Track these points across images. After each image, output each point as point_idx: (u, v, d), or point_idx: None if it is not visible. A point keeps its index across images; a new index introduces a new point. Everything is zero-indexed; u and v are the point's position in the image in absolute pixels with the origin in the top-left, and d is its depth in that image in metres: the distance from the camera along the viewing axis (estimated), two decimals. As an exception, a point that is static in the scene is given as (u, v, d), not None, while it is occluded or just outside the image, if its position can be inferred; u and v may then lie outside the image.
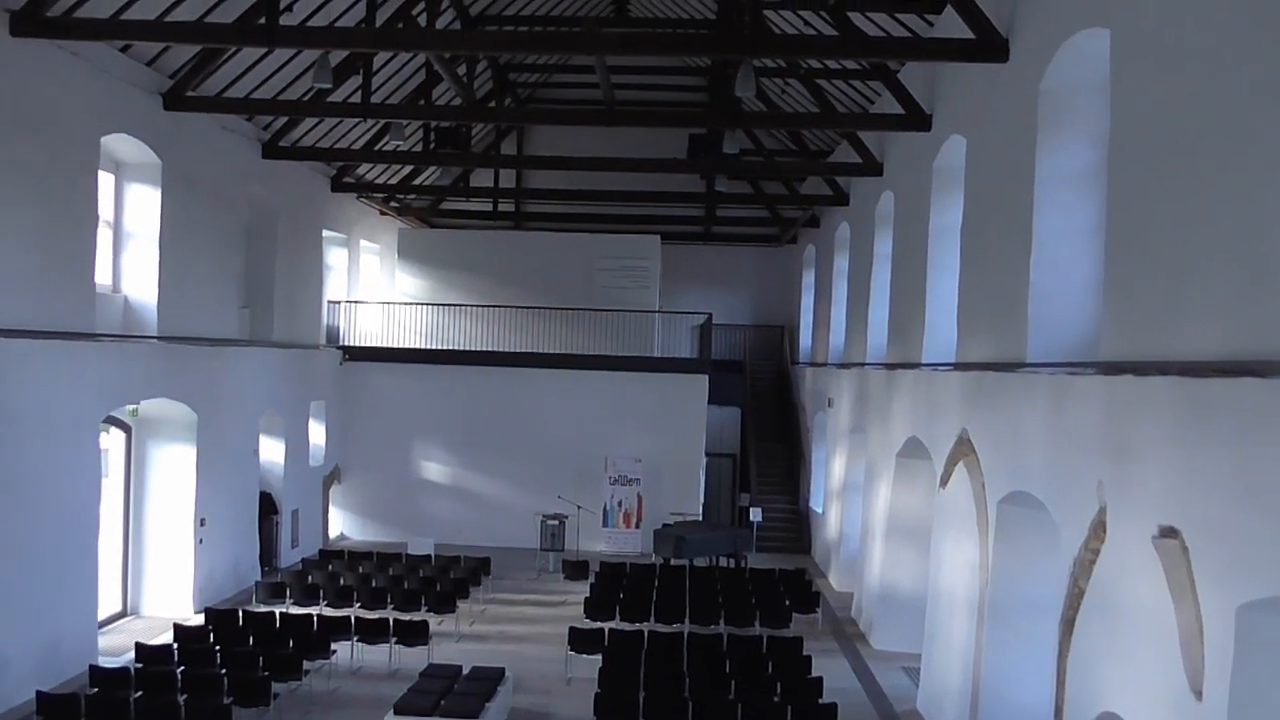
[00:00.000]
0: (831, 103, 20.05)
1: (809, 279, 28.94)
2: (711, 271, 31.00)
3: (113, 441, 17.23)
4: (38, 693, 11.94)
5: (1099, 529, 8.94)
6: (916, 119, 16.17)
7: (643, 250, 28.14)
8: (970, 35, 12.74)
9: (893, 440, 17.37)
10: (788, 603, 17.67)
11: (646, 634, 15.25)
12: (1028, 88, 11.52)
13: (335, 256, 26.38)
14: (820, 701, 12.70)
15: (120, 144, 16.16)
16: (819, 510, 25.17)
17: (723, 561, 21.67)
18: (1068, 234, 10.96)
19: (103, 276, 16.06)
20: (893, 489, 17.46)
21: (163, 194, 16.95)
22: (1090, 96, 10.65)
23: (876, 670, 16.24)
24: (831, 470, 23.48)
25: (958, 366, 13.81)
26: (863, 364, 20.23)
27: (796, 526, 26.50)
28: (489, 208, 29.69)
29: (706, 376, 25.41)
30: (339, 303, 26.16)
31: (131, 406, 16.87)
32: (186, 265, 17.64)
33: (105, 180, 16.12)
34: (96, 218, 15.31)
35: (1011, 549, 11.85)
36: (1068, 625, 9.56)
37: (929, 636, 14.48)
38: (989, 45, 12.54)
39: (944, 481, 14.15)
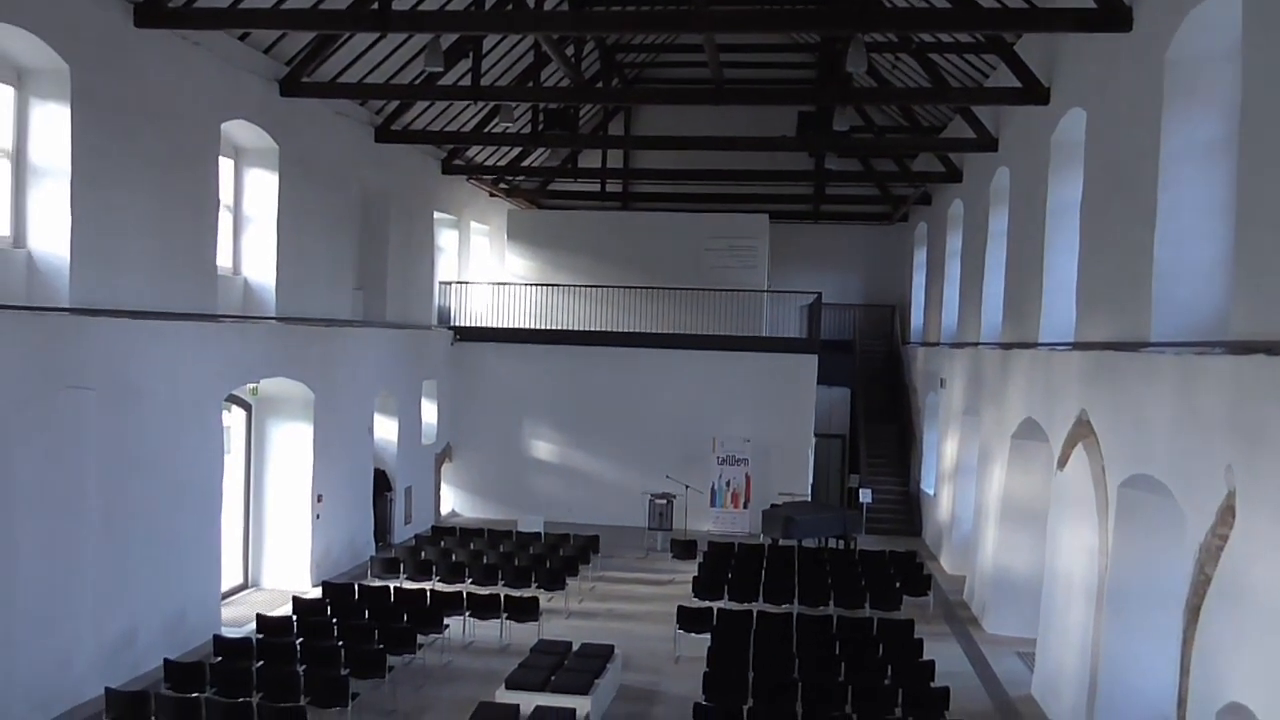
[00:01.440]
0: (945, 77, 19.63)
1: (920, 257, 28.46)
2: (820, 250, 30.66)
3: (234, 419, 17.75)
4: (165, 660, 12.38)
5: (1227, 514, 8.62)
6: (1034, 92, 15.72)
7: (751, 229, 27.95)
8: (1091, 4, 12.33)
9: (1008, 421, 17.00)
10: (898, 585, 17.45)
11: (755, 614, 15.21)
12: (1153, 57, 11.11)
13: (446, 238, 26.76)
14: (932, 685, 12.52)
15: (239, 130, 16.58)
16: (930, 492, 24.79)
17: (831, 543, 21.49)
18: (1194, 209, 10.56)
19: (224, 259, 16.51)
20: (1007, 471, 17.09)
21: (280, 178, 17.36)
22: (1219, 66, 10.23)
23: (990, 655, 15.95)
24: (943, 452, 23.09)
25: (1077, 346, 13.43)
26: (976, 344, 19.82)
27: (907, 508, 26.16)
28: (597, 188, 29.81)
29: (816, 356, 25.16)
30: (450, 284, 26.55)
31: (252, 385, 17.37)
32: (303, 248, 18.06)
33: (225, 166, 16.56)
34: (217, 202, 15.75)
35: (1132, 533, 11.51)
36: (1192, 613, 9.25)
37: (1045, 621, 14.16)
38: (1111, 14, 12.11)
39: (1061, 464, 13.80)
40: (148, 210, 13.84)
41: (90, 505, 12.58)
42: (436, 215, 25.01)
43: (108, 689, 11.32)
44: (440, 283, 25.95)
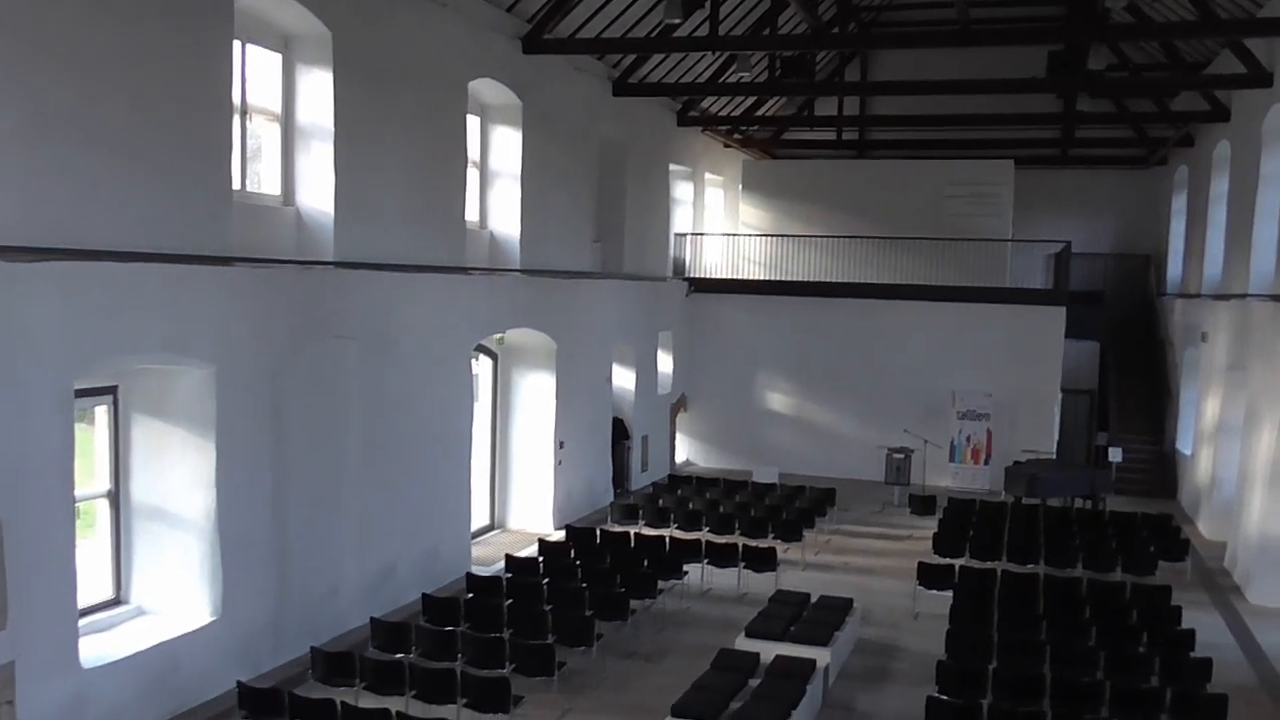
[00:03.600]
0: (1212, 7, 18.25)
1: (1179, 203, 26.68)
2: (1069, 197, 29.16)
3: (482, 368, 18.46)
4: (423, 595, 13.09)
5: None
6: (1318, 20, 14.43)
7: (994, 176, 26.88)
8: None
9: (1280, 378, 15.83)
10: (1152, 549, 16.60)
11: (999, 573, 14.79)
12: None
13: (681, 190, 26.90)
14: (1192, 655, 11.87)
15: (485, 88, 17.09)
16: (1187, 452, 23.39)
17: (1078, 503, 20.62)
18: None
19: (471, 214, 17.12)
20: (1279, 433, 15.93)
21: (523, 134, 17.84)
22: None
23: (1255, 627, 14.97)
24: (1204, 410, 21.69)
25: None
26: (1244, 295, 18.48)
27: (1160, 469, 24.77)
28: (832, 136, 29.23)
29: (1063, 308, 24.02)
30: (685, 235, 26.71)
31: (498, 335, 18.01)
32: (544, 201, 18.53)
33: (472, 123, 17.12)
34: (466, 159, 16.33)
35: None
36: None
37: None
38: None
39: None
40: (402, 167, 14.49)
41: (352, 448, 13.35)
42: (672, 167, 25.16)
43: (373, 619, 12.06)
44: (675, 234, 26.14)
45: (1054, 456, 23.36)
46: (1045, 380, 23.98)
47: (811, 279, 25.92)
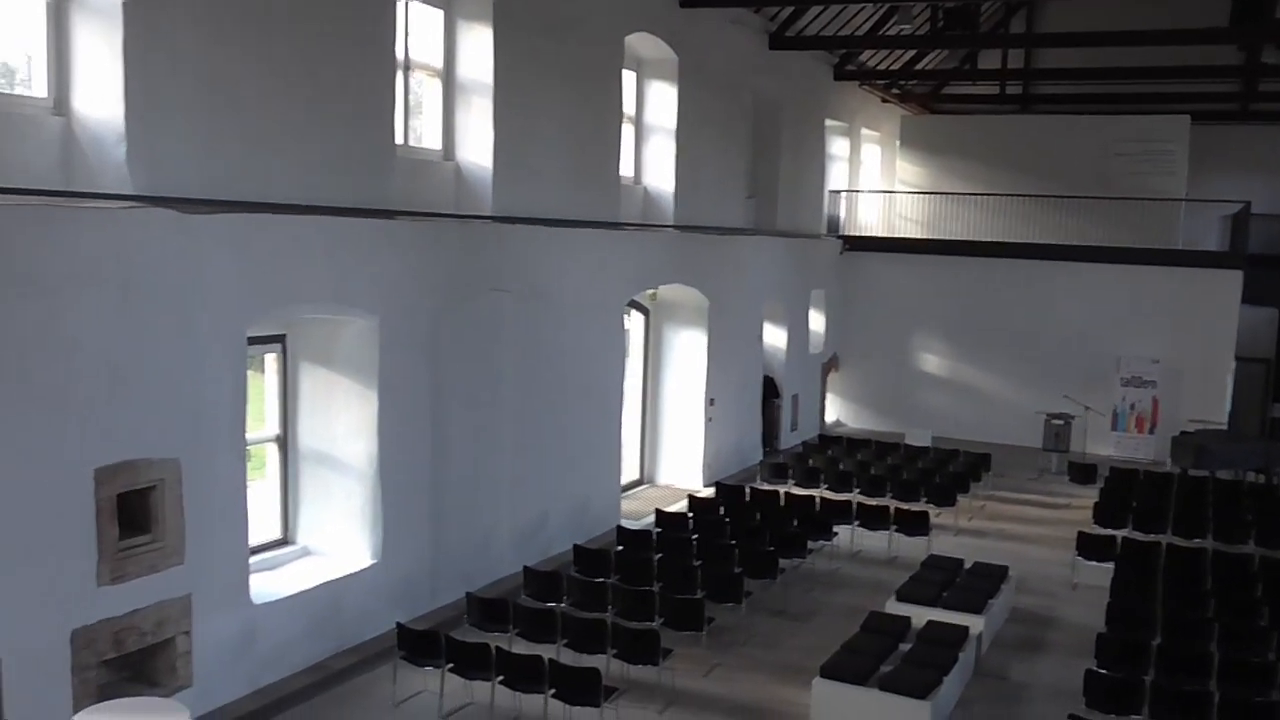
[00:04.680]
0: None
1: (1375, 159, 25.03)
2: (1250, 154, 27.50)
3: (634, 323, 18.54)
4: (575, 546, 13.28)
5: None
6: None
7: (1167, 131, 25.59)
8: None
9: None
10: (1334, 528, 15.77)
11: (1164, 546, 14.23)
12: None
13: (837, 146, 26.42)
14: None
15: (641, 42, 17.03)
16: (1372, 425, 22.11)
17: (1249, 476, 19.68)
18: None
19: (626, 169, 17.13)
20: None
21: (679, 89, 17.74)
22: None
23: None
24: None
25: None
26: None
27: (1344, 443, 23.45)
28: (995, 91, 28.26)
29: (1240, 272, 22.82)
30: (840, 192, 26.25)
31: (651, 291, 18.05)
32: (698, 157, 18.42)
33: (628, 78, 17.09)
34: (621, 114, 16.32)
35: None
36: None
37: None
38: None
39: None
40: (559, 123, 14.56)
41: (507, 400, 13.56)
42: (828, 122, 24.72)
43: (526, 567, 12.29)
44: (830, 191, 25.72)
45: (1225, 427, 22.30)
46: (1218, 347, 22.85)
47: (970, 238, 25.17)
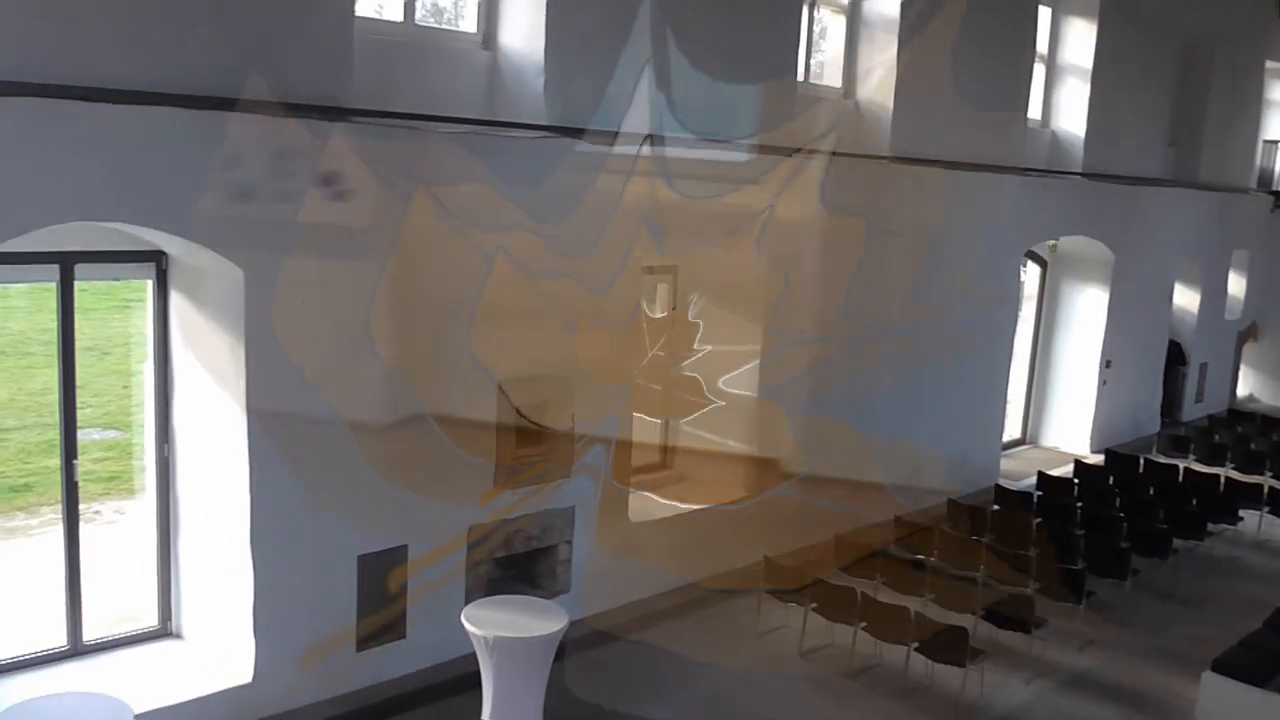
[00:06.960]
0: None
1: None
2: None
3: (1029, 275, 17.64)
4: (949, 501, 12.91)
5: None
6: None
7: None
8: None
9: None
10: None
11: None
12: None
13: (1278, 91, 23.72)
14: None
15: (1062, -25, 15.99)
16: None
17: None
18: None
19: (1033, 111, 16.20)
20: None
21: (1099, 26, 16.50)
22: None
23: None
24: None
25: None
26: None
27: None
28: None
29: None
30: (1276, 142, 23.62)
31: (1051, 242, 17.10)
32: (1115, 100, 17.08)
33: (1043, 15, 16.09)
34: (1034, 52, 15.41)
35: None
36: None
37: None
38: None
39: None
40: (965, 60, 13.85)
41: (890, 343, 13.32)
42: (1269, 65, 22.21)
43: (896, 517, 12.09)
44: (1264, 142, 23.19)
45: None
46: None
47: None
